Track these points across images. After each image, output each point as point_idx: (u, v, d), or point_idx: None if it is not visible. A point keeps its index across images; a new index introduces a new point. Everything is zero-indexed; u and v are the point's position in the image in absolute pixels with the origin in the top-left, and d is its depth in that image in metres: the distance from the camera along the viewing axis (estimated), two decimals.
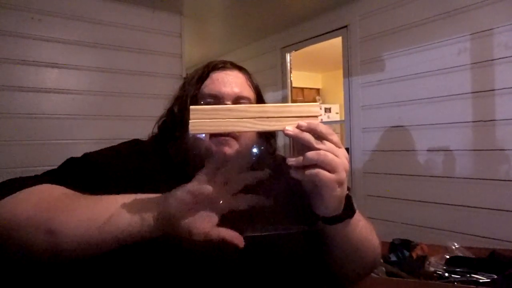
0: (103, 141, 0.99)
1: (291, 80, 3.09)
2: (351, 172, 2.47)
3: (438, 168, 1.98)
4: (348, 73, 2.47)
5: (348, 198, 0.61)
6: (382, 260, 1.53)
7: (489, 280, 1.32)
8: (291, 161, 0.54)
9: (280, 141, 0.82)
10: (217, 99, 0.71)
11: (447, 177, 1.94)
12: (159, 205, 0.53)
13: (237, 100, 0.71)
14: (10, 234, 0.54)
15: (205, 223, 0.53)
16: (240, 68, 0.78)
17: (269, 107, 0.55)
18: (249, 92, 0.74)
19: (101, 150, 0.73)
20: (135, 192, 0.58)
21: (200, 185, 0.51)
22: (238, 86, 0.73)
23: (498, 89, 1.74)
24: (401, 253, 1.59)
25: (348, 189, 0.61)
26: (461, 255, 1.52)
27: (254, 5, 2.48)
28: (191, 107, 0.52)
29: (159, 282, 0.60)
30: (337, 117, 5.59)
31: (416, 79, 2.06)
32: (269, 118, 0.54)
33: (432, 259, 1.48)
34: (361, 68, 2.38)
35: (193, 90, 0.72)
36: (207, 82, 0.72)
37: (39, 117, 1.93)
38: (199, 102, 0.70)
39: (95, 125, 2.06)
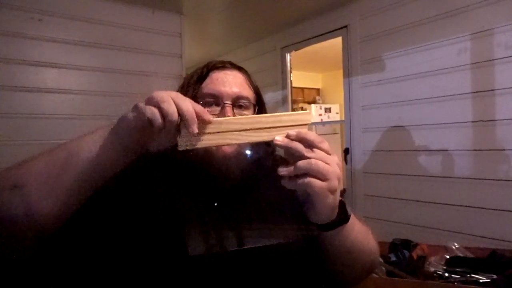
0: None
1: (291, 80, 3.09)
2: (351, 172, 2.47)
3: (438, 168, 1.98)
4: (348, 73, 2.47)
5: (341, 204, 0.61)
6: (382, 260, 1.53)
7: (489, 280, 1.32)
8: (282, 171, 0.54)
9: None
10: (217, 98, 0.70)
11: (447, 177, 1.94)
12: (112, 124, 0.54)
13: (237, 100, 0.71)
14: None
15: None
16: (240, 68, 0.78)
17: (260, 118, 0.55)
18: (248, 92, 0.74)
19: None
20: (138, 198, 0.58)
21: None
22: (238, 86, 0.72)
23: (498, 89, 1.74)
24: (401, 253, 1.59)
25: (342, 193, 0.60)
26: (461, 255, 1.52)
27: (254, 5, 2.48)
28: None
29: None
30: (337, 117, 5.59)
31: (416, 79, 2.06)
32: (259, 129, 0.54)
33: (432, 259, 1.48)
34: (361, 68, 2.38)
35: (193, 90, 0.71)
36: (207, 81, 0.72)
37: (39, 117, 1.92)
38: (199, 102, 0.69)
39: (95, 125, 2.05)
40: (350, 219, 0.64)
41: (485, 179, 1.80)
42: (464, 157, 1.88)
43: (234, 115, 0.68)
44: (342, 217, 0.62)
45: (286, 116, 0.55)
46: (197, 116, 0.51)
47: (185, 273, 0.60)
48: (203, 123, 0.51)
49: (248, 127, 0.54)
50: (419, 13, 2.03)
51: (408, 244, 1.66)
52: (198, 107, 0.52)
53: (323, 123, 5.45)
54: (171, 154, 0.67)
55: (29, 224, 0.52)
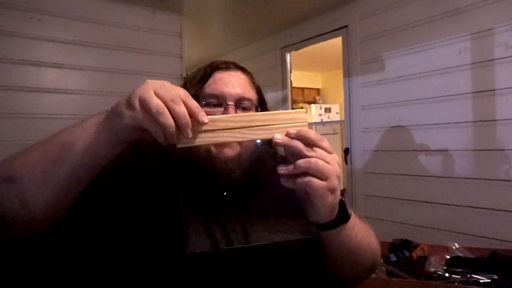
0: None
1: (291, 80, 3.09)
2: (351, 172, 2.47)
3: (438, 168, 1.98)
4: (348, 73, 2.47)
5: (341, 203, 0.61)
6: (382, 260, 1.53)
7: (489, 280, 1.32)
8: (282, 169, 0.54)
9: None
10: (219, 99, 0.70)
11: (447, 177, 1.94)
12: (104, 112, 0.54)
13: (240, 101, 0.71)
14: None
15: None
16: (243, 69, 0.78)
17: (256, 116, 0.54)
18: (251, 93, 0.74)
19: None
20: (137, 195, 0.58)
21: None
22: (241, 87, 0.72)
23: (498, 89, 1.74)
24: (401, 253, 1.59)
25: (342, 193, 0.60)
26: (462, 255, 1.52)
27: (254, 5, 2.48)
28: None
29: None
30: (337, 117, 5.59)
31: (416, 79, 2.06)
32: (258, 127, 0.53)
33: (432, 259, 1.48)
34: (361, 68, 2.38)
35: (195, 89, 0.71)
36: (210, 82, 0.72)
37: (39, 117, 1.92)
38: (201, 102, 0.69)
39: None
40: (351, 218, 0.63)
41: (485, 179, 1.80)
42: (464, 157, 1.88)
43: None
44: (342, 216, 0.62)
45: (281, 115, 0.55)
46: (191, 116, 0.51)
47: (185, 272, 0.60)
48: (197, 123, 0.51)
49: (244, 125, 0.53)
50: (419, 13, 2.03)
51: (408, 244, 1.66)
52: (194, 106, 0.51)
53: (323, 123, 5.45)
54: (171, 148, 0.66)
55: (25, 217, 0.52)
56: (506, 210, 1.71)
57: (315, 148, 0.54)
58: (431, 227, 1.98)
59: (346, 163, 2.50)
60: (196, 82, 0.72)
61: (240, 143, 0.67)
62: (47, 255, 0.63)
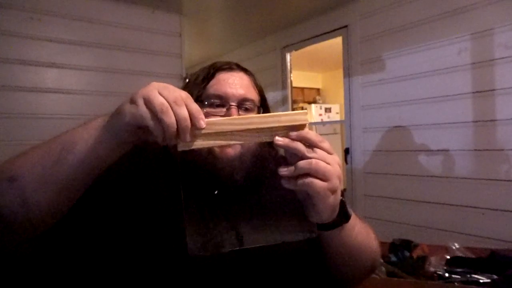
0: None
1: (291, 80, 3.09)
2: (351, 172, 2.47)
3: (438, 168, 1.98)
4: (348, 73, 2.47)
5: (342, 204, 0.61)
6: (382, 260, 1.53)
7: (489, 280, 1.32)
8: (283, 171, 0.54)
9: None
10: (222, 99, 0.70)
11: (447, 177, 1.94)
12: (107, 115, 0.54)
13: (242, 102, 0.71)
14: None
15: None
16: (246, 70, 0.78)
17: (255, 118, 0.54)
18: (253, 94, 0.74)
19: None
20: (138, 196, 0.58)
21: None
22: (244, 88, 0.72)
23: (498, 89, 1.74)
24: (401, 254, 1.59)
25: (343, 192, 0.60)
26: (462, 255, 1.52)
27: (254, 5, 2.48)
28: None
29: None
30: (337, 117, 5.58)
31: (416, 79, 2.06)
32: (258, 129, 0.53)
33: (433, 260, 1.48)
34: (361, 68, 2.38)
35: (198, 89, 0.71)
36: (213, 82, 0.72)
37: (39, 117, 1.92)
38: (204, 102, 0.69)
39: None
40: (351, 218, 0.64)
41: (485, 179, 1.80)
42: (464, 157, 1.88)
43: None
44: (343, 216, 0.62)
45: (282, 116, 0.54)
46: (191, 119, 0.50)
47: (185, 272, 0.60)
48: (195, 128, 0.51)
49: (243, 127, 0.53)
50: (419, 13, 2.03)
51: (408, 244, 1.66)
52: (194, 109, 0.51)
53: (323, 123, 5.45)
54: (172, 148, 0.66)
55: (25, 217, 0.52)
56: (506, 210, 1.71)
57: (316, 149, 0.54)
58: (431, 227, 1.98)
59: (346, 163, 2.50)
60: (199, 83, 0.72)
61: (241, 144, 0.67)
62: (48, 255, 0.63)
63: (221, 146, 0.65)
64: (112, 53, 2.16)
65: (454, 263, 1.46)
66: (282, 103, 3.07)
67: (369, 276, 0.78)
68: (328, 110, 5.62)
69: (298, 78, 5.25)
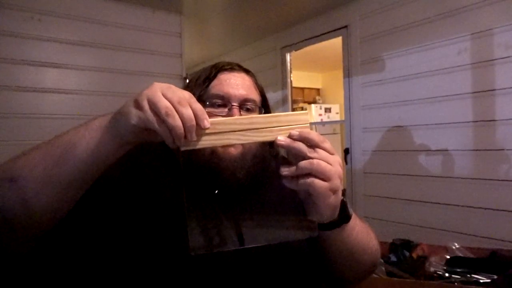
0: None
1: (291, 80, 3.09)
2: (351, 172, 2.47)
3: (438, 168, 1.98)
4: (348, 73, 2.47)
5: (342, 204, 0.61)
6: (382, 260, 1.53)
7: (489, 280, 1.32)
8: (285, 171, 0.54)
9: None
10: (224, 100, 0.71)
11: (447, 177, 1.94)
12: (108, 115, 0.54)
13: (244, 102, 0.71)
14: None
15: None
16: (247, 71, 0.78)
17: (257, 118, 0.55)
18: (255, 95, 0.74)
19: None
20: (140, 195, 0.58)
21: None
22: (245, 89, 0.73)
23: (498, 89, 1.74)
24: (401, 254, 1.59)
25: (343, 192, 0.61)
26: (461, 255, 1.52)
27: (254, 5, 2.48)
28: None
29: None
30: (337, 117, 5.59)
31: (416, 79, 2.06)
32: (260, 129, 0.54)
33: (432, 260, 1.48)
34: (361, 68, 2.38)
35: (200, 90, 0.72)
36: (214, 82, 0.72)
37: (39, 117, 1.92)
38: (206, 102, 0.70)
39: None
40: (351, 218, 0.64)
41: (485, 179, 1.80)
42: (464, 157, 1.88)
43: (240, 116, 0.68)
44: (343, 216, 0.62)
45: (283, 117, 0.55)
46: (195, 120, 0.51)
47: (186, 271, 0.60)
48: (199, 128, 0.51)
49: (245, 127, 0.54)
50: (419, 13, 2.03)
51: (408, 244, 1.66)
52: (198, 109, 0.51)
53: (323, 123, 5.45)
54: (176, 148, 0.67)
55: (26, 216, 0.52)
56: (506, 210, 1.71)
57: (317, 149, 0.54)
58: (431, 227, 1.98)
59: (346, 163, 2.50)
60: (201, 83, 0.73)
61: (242, 144, 0.67)
62: (49, 254, 0.63)
63: (223, 146, 0.65)
64: (112, 53, 2.16)
65: (454, 263, 1.46)
66: (282, 103, 3.07)
67: (369, 276, 0.78)
68: (328, 110, 5.62)
69: (298, 78, 5.26)
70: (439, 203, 1.97)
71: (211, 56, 3.59)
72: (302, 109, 5.56)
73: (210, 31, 3.10)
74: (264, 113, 0.75)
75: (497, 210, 1.74)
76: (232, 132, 0.53)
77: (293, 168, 0.54)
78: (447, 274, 1.38)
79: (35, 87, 1.93)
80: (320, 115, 5.51)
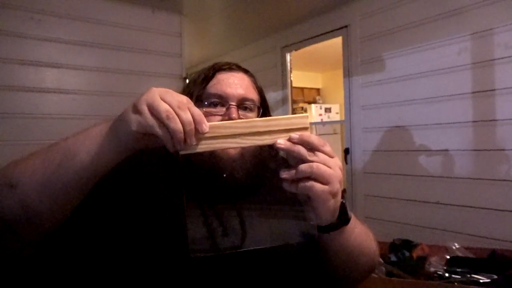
0: None
1: (291, 80, 3.09)
2: (351, 172, 2.47)
3: (438, 168, 1.98)
4: (348, 73, 2.47)
5: (342, 206, 0.61)
6: (382, 260, 1.53)
7: (489, 280, 1.32)
8: (284, 174, 0.54)
9: None
10: (222, 99, 0.71)
11: (447, 177, 1.94)
12: (107, 121, 0.54)
13: (242, 101, 0.71)
14: None
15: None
16: (246, 71, 0.79)
17: (257, 121, 0.54)
18: (253, 94, 0.74)
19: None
20: (140, 197, 0.57)
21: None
22: (243, 88, 0.73)
23: (498, 89, 1.74)
24: (401, 253, 1.59)
25: (343, 193, 0.60)
26: (462, 255, 1.52)
27: (254, 5, 2.48)
28: None
29: None
30: (337, 117, 5.58)
31: (416, 79, 2.06)
32: (260, 133, 0.54)
33: (433, 260, 1.48)
34: (361, 68, 2.38)
35: (198, 89, 0.72)
36: (213, 82, 0.72)
37: (39, 117, 1.92)
38: (204, 102, 0.70)
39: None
40: (351, 221, 0.64)
41: (485, 179, 1.80)
42: (464, 157, 1.88)
43: (238, 116, 0.68)
44: (343, 219, 0.62)
45: (283, 120, 0.55)
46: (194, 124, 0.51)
47: (186, 273, 0.60)
48: (198, 132, 0.51)
49: (245, 131, 0.53)
50: (419, 13, 2.03)
51: (408, 244, 1.66)
52: (197, 114, 0.51)
53: (323, 123, 5.45)
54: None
55: (27, 221, 0.53)
56: (506, 210, 1.71)
57: (317, 153, 0.54)
58: (431, 227, 1.98)
59: (346, 163, 2.50)
60: (199, 83, 0.73)
61: (243, 147, 0.67)
62: (50, 256, 0.63)
63: (223, 150, 0.65)
64: (112, 53, 2.16)
65: (454, 263, 1.46)
66: (282, 103, 3.07)
67: (368, 277, 0.78)
68: (328, 110, 5.62)
69: (298, 78, 5.25)
70: (439, 203, 1.97)
71: (211, 56, 3.59)
72: (302, 109, 5.56)
73: (210, 31, 3.10)
74: (263, 113, 0.75)
75: (497, 210, 1.74)
76: (231, 136, 0.53)
77: (292, 172, 0.54)
78: (447, 274, 1.38)
79: (35, 87, 1.93)
80: (320, 115, 5.51)
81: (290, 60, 3.06)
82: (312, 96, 5.98)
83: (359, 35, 2.38)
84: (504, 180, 1.73)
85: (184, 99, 0.52)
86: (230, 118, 0.67)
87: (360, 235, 0.68)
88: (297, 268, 0.68)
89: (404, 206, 2.13)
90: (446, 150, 1.94)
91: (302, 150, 0.53)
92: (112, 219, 0.63)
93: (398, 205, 2.16)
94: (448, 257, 1.50)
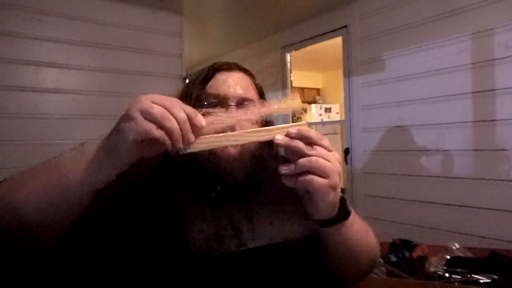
0: None
1: (291, 80, 3.09)
2: (351, 172, 2.47)
3: (438, 168, 1.98)
4: (348, 73, 2.47)
5: (342, 200, 0.61)
6: (382, 260, 1.53)
7: (489, 280, 1.32)
8: (283, 169, 0.55)
9: None
10: (221, 100, 0.71)
11: (447, 177, 1.94)
12: (101, 138, 0.54)
13: (241, 101, 0.71)
14: None
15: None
16: (245, 70, 0.78)
17: (253, 115, 0.56)
18: (253, 94, 0.74)
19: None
20: (140, 199, 0.57)
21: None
22: (243, 88, 0.73)
23: (498, 89, 1.74)
24: (401, 254, 1.59)
25: (343, 190, 0.61)
26: (462, 255, 1.52)
27: (254, 5, 2.48)
28: None
29: None
30: (337, 117, 5.59)
31: (416, 79, 2.06)
32: (258, 129, 0.55)
33: (433, 260, 1.48)
34: (361, 68, 2.38)
35: (198, 90, 0.72)
36: (212, 82, 0.72)
37: (39, 117, 1.92)
38: (203, 102, 0.70)
39: (95, 125, 2.05)
40: (351, 215, 0.64)
41: (485, 179, 1.80)
42: (464, 157, 1.88)
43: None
44: (342, 213, 0.62)
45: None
46: (189, 121, 0.51)
47: (188, 272, 0.60)
48: (194, 127, 0.51)
49: (241, 118, 0.55)
50: (419, 13, 2.03)
51: (408, 244, 1.66)
52: (190, 111, 0.51)
53: (323, 123, 5.45)
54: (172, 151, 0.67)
55: (28, 240, 0.54)
56: (506, 210, 1.71)
57: (316, 147, 0.54)
58: (431, 227, 1.98)
59: (346, 163, 2.50)
60: (199, 83, 0.73)
61: (241, 144, 0.67)
62: (50, 256, 0.63)
63: (222, 148, 0.65)
64: (112, 53, 2.16)
65: (454, 263, 1.46)
66: None
67: (369, 274, 0.78)
68: (328, 110, 5.62)
69: (298, 78, 5.25)
70: (439, 203, 1.97)
71: (211, 56, 3.59)
72: (301, 108, 5.56)
73: (210, 31, 3.10)
74: None
75: (497, 210, 1.74)
76: (229, 133, 0.54)
77: (291, 166, 0.54)
78: (447, 274, 1.38)
79: (35, 87, 1.93)
80: (320, 115, 5.51)
81: (290, 60, 3.06)
82: (312, 96, 5.98)
83: (359, 35, 2.38)
84: (504, 180, 1.73)
85: (174, 99, 0.52)
86: None
87: (360, 230, 0.68)
88: (298, 265, 0.68)
89: (404, 206, 2.13)
90: (446, 150, 1.94)
91: (300, 144, 0.54)
92: (113, 221, 0.63)
93: (398, 205, 2.16)
94: (448, 257, 1.50)
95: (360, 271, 0.75)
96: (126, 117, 0.50)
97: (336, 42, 2.60)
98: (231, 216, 0.64)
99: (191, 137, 0.51)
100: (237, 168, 0.65)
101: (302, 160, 0.53)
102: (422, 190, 2.04)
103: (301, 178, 0.54)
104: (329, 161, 0.54)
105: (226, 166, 0.65)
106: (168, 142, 0.50)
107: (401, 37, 2.13)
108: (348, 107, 2.49)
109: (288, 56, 3.05)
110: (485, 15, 1.78)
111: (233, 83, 0.72)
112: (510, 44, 1.70)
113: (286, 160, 0.57)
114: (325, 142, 0.55)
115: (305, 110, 5.63)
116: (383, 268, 1.48)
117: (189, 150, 0.52)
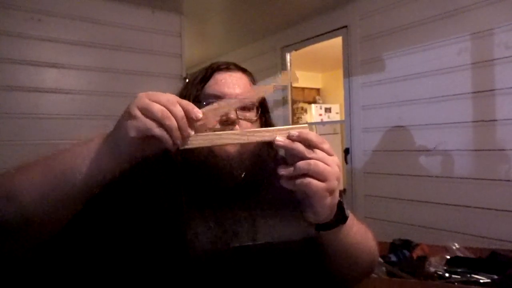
0: None
1: (291, 80, 3.08)
2: (351, 172, 2.47)
3: (438, 168, 1.98)
4: (348, 73, 2.47)
5: (339, 204, 0.61)
6: (382, 261, 1.53)
7: (489, 280, 1.32)
8: (282, 171, 0.55)
9: None
10: (220, 99, 0.70)
11: (447, 177, 1.94)
12: (103, 135, 0.54)
13: None
14: None
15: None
16: (244, 70, 0.78)
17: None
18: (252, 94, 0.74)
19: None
20: (139, 198, 0.57)
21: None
22: (241, 87, 0.73)
23: (498, 89, 1.74)
24: (401, 254, 1.59)
25: (341, 193, 0.61)
26: (462, 255, 1.52)
27: (254, 5, 2.48)
28: None
29: None
30: (337, 117, 5.59)
31: (416, 79, 2.06)
32: (259, 129, 0.55)
33: (433, 260, 1.48)
34: (361, 68, 2.38)
35: (196, 90, 0.72)
36: (210, 82, 0.72)
37: (39, 117, 1.92)
38: (202, 103, 0.70)
39: (95, 125, 2.05)
40: (349, 219, 0.64)
41: (485, 179, 1.80)
42: (464, 157, 1.88)
43: (237, 116, 0.68)
44: (340, 217, 0.62)
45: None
46: (186, 115, 0.51)
47: (187, 271, 0.60)
48: (191, 120, 0.52)
49: (236, 105, 0.55)
50: (419, 13, 2.03)
51: (408, 244, 1.66)
52: (187, 105, 0.52)
53: (323, 123, 5.45)
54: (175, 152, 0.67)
55: (27, 231, 0.53)
56: (506, 210, 1.71)
57: (316, 150, 0.54)
58: (431, 227, 1.98)
59: (346, 163, 2.50)
60: (197, 83, 0.73)
61: (241, 143, 0.67)
62: (51, 257, 0.63)
63: (221, 147, 0.65)
64: (112, 53, 2.16)
65: (454, 263, 1.46)
66: (282, 103, 3.07)
67: (367, 276, 0.78)
68: (328, 110, 5.62)
69: (298, 78, 5.25)
70: (439, 203, 1.97)
71: (211, 56, 3.59)
72: (302, 109, 5.57)
73: (210, 31, 3.10)
74: (262, 112, 0.75)
75: (497, 210, 1.74)
76: (231, 132, 0.54)
77: (290, 169, 0.54)
78: (447, 274, 1.38)
79: (35, 87, 1.93)
80: (320, 115, 5.51)
81: (290, 60, 3.06)
82: (312, 96, 5.98)
83: (359, 35, 2.38)
84: (504, 180, 1.73)
85: (170, 95, 0.52)
86: (229, 118, 0.67)
87: (359, 233, 0.68)
88: (297, 267, 0.68)
89: (404, 206, 2.13)
90: (446, 150, 1.94)
91: (300, 147, 0.54)
92: (112, 220, 0.63)
93: (398, 205, 2.16)
94: (448, 257, 1.50)
95: (359, 274, 0.75)
96: (128, 115, 0.51)
97: (336, 42, 2.60)
98: (230, 217, 0.64)
99: (190, 132, 0.51)
100: (236, 168, 0.65)
101: (301, 163, 0.53)
102: (422, 190, 2.04)
103: (299, 181, 0.54)
104: (328, 165, 0.54)
105: (225, 166, 0.65)
106: (169, 140, 0.50)
107: (401, 37, 2.13)
108: (348, 107, 2.49)
109: (288, 56, 3.05)
110: (485, 15, 1.78)
111: (232, 83, 0.72)
112: (510, 44, 1.70)
113: (286, 162, 0.57)
114: (326, 146, 0.55)
115: (305, 110, 5.63)
116: (383, 268, 1.48)
117: (189, 146, 0.53)
